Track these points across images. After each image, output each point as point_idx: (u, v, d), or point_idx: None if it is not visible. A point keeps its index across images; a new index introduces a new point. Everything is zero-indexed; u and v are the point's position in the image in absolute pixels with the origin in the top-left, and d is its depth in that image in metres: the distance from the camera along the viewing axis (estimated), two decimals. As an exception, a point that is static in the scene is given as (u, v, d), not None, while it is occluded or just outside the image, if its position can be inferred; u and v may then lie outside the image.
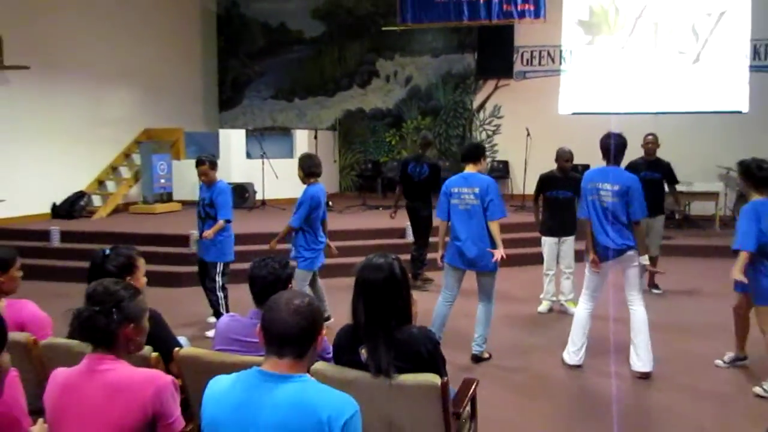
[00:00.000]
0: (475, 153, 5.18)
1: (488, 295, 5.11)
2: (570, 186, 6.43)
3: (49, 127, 10.02)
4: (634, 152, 6.27)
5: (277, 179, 10.96)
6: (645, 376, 4.75)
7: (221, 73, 14.55)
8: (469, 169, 5.10)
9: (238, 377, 2.02)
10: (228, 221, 5.81)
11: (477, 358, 5.13)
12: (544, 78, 12.47)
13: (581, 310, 4.99)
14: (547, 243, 6.54)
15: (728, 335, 5.05)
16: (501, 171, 12.37)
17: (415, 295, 2.76)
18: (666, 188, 7.10)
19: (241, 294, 5.71)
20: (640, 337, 4.76)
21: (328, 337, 2.28)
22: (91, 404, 2.13)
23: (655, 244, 6.76)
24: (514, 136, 11.92)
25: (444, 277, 5.20)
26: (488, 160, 8.13)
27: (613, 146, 4.80)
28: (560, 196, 6.42)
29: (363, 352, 2.57)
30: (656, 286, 7.14)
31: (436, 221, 5.64)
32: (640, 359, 4.78)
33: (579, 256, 7.04)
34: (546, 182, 6.53)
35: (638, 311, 4.79)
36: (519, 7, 10.90)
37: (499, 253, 4.91)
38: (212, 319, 5.98)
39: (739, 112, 11.45)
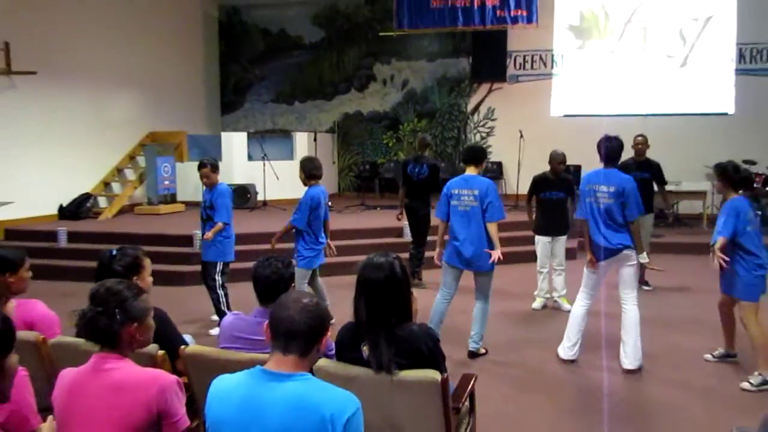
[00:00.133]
0: (477, 155, 5.17)
1: (485, 294, 5.11)
2: (562, 187, 6.44)
3: (56, 130, 9.99)
4: (624, 153, 6.24)
5: (278, 180, 10.95)
6: (632, 373, 4.74)
7: (223, 78, 14.53)
8: (470, 171, 5.09)
9: (241, 376, 2.01)
10: (225, 224, 5.78)
11: (473, 354, 5.13)
12: (537, 81, 12.46)
13: (578, 308, 4.98)
14: (541, 242, 6.54)
15: (716, 330, 5.05)
16: (495, 172, 12.34)
17: (414, 292, 2.75)
18: (655, 188, 7.09)
19: (242, 292, 5.69)
20: (630, 335, 4.76)
21: (329, 334, 2.26)
22: (96, 403, 2.11)
23: (644, 241, 6.74)
24: (508, 137, 11.90)
25: (442, 276, 5.19)
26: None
27: (607, 148, 4.80)
28: (553, 197, 6.42)
29: (365, 349, 2.56)
30: (646, 283, 7.14)
31: (435, 220, 5.62)
32: (628, 357, 4.79)
33: (571, 254, 7.07)
34: (539, 184, 6.53)
35: (630, 311, 4.79)
36: (512, 13, 10.90)
37: (497, 254, 4.90)
38: (215, 317, 5.98)
39: (726, 114, 11.46)
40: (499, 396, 4.37)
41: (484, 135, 12.92)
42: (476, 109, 13.01)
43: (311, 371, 2.20)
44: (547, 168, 6.52)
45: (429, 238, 7.28)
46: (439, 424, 2.55)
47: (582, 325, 4.95)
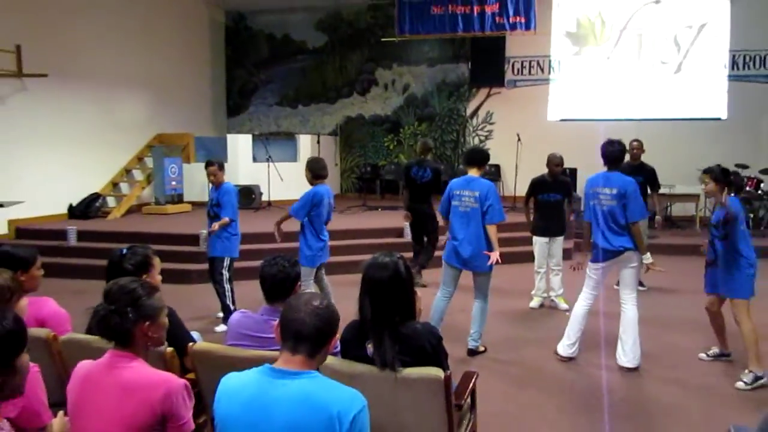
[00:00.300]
0: (480, 158, 5.15)
1: (483, 293, 5.09)
2: (560, 189, 6.42)
3: (65, 132, 9.97)
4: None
5: (282, 181, 10.94)
6: (631, 371, 4.72)
7: (229, 82, 14.53)
8: (473, 172, 5.06)
9: (250, 374, 1.98)
10: (232, 220, 5.91)
11: (473, 352, 5.11)
12: (534, 86, 12.45)
13: (580, 307, 4.95)
14: (538, 242, 6.52)
15: (710, 329, 5.01)
16: (493, 174, 12.31)
17: (418, 291, 2.73)
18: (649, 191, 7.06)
19: (248, 290, 5.69)
20: (629, 334, 4.74)
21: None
22: (106, 400, 2.09)
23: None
24: (506, 141, 11.88)
25: (442, 274, 5.19)
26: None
27: (609, 152, 4.78)
28: (551, 199, 6.40)
29: (369, 347, 2.54)
30: (641, 284, 7.08)
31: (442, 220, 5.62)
32: (626, 355, 4.77)
33: (568, 255, 7.05)
34: (537, 186, 6.51)
35: (630, 311, 4.77)
36: (511, 20, 10.91)
37: (495, 255, 4.87)
38: (221, 315, 6.00)
39: (719, 119, 11.45)
40: (499, 393, 4.35)
41: (482, 138, 12.90)
42: (475, 113, 12.99)
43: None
44: (544, 171, 6.50)
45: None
46: (441, 421, 2.53)
47: (583, 324, 4.93)
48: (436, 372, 2.46)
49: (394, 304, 2.55)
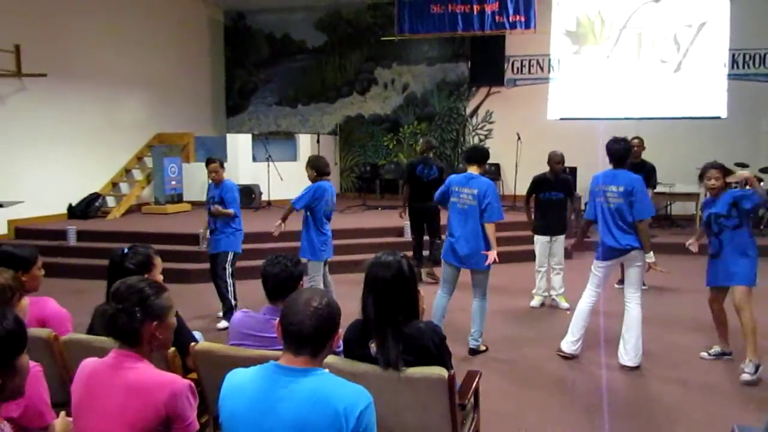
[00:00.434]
0: (480, 156, 5.15)
1: (482, 291, 5.07)
2: (561, 187, 6.40)
3: (65, 132, 9.95)
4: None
5: (282, 181, 10.92)
6: (632, 370, 4.71)
7: (228, 81, 14.51)
8: (472, 170, 5.06)
9: (255, 371, 1.97)
10: (235, 214, 5.95)
11: (474, 351, 5.10)
12: (534, 85, 12.44)
13: (584, 305, 4.94)
14: (539, 241, 6.50)
15: (712, 329, 5.02)
16: (493, 173, 12.30)
17: (421, 289, 2.71)
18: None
19: (249, 289, 5.68)
20: (631, 333, 4.73)
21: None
22: (110, 401, 2.07)
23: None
24: (506, 140, 11.86)
25: (442, 272, 5.19)
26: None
27: (615, 150, 4.77)
28: (552, 197, 6.38)
29: (372, 346, 2.53)
30: (642, 283, 7.09)
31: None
32: (627, 354, 4.76)
33: (569, 254, 7.03)
34: (539, 184, 6.48)
35: (634, 309, 4.76)
36: (510, 19, 10.88)
37: (493, 254, 4.86)
38: (221, 314, 5.98)
39: (718, 118, 11.43)
40: (501, 392, 4.34)
41: (482, 137, 12.89)
42: (475, 112, 12.98)
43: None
44: (543, 169, 6.48)
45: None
46: (445, 420, 2.52)
47: (587, 321, 4.92)
48: (440, 371, 2.45)
49: (397, 303, 2.54)
